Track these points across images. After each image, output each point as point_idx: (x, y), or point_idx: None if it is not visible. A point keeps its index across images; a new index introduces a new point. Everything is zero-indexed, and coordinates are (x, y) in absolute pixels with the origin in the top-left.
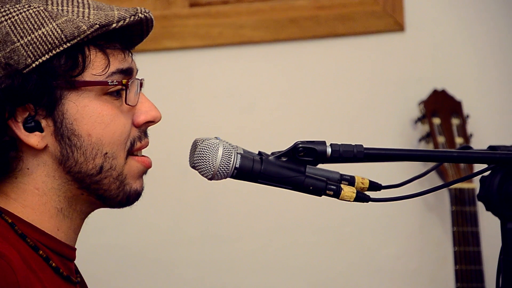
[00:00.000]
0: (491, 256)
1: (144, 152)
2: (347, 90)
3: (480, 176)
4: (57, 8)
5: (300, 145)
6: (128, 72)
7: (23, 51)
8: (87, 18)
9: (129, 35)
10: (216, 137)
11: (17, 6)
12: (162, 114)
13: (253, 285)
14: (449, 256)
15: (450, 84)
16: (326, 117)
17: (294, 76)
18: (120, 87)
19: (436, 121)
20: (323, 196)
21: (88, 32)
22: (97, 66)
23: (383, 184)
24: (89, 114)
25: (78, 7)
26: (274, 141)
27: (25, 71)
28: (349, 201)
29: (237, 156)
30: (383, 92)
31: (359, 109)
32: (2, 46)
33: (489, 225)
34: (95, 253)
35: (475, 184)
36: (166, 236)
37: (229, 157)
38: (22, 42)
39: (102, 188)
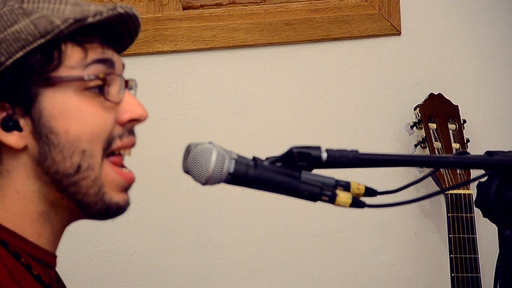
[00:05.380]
0: (488, 264)
1: (135, 155)
2: (342, 94)
3: (477, 182)
4: (32, 6)
5: (295, 150)
6: (108, 64)
7: None
8: (62, 14)
9: (115, 34)
10: (209, 142)
11: None
12: (155, 118)
13: None
14: (445, 263)
15: (446, 88)
16: (320, 122)
17: (289, 80)
18: (99, 82)
19: (433, 126)
20: (318, 202)
21: (63, 27)
22: (73, 60)
23: (379, 190)
24: (66, 110)
25: (54, 3)
26: (268, 145)
27: None
28: (344, 207)
29: (231, 161)
30: (379, 96)
31: (354, 113)
32: None
33: (486, 232)
34: (86, 259)
35: (472, 190)
36: (158, 242)
37: (222, 162)
38: None
39: (80, 191)
